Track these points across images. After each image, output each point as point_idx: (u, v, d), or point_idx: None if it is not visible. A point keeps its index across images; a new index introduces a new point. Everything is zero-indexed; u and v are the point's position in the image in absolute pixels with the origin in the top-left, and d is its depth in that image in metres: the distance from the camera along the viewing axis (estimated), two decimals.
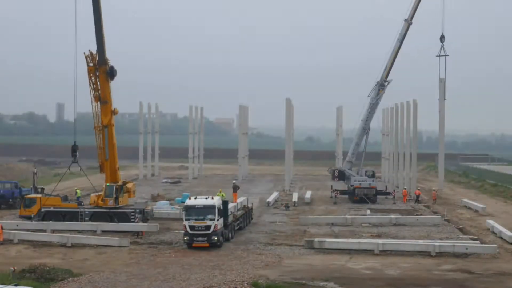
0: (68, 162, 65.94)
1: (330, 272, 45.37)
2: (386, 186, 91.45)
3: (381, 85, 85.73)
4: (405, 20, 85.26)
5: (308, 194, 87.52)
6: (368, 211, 72.94)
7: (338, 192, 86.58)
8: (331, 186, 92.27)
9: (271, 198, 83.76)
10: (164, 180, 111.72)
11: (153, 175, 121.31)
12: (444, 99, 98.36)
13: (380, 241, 53.87)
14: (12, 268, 40.61)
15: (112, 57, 63.60)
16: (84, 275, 43.19)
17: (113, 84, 64.07)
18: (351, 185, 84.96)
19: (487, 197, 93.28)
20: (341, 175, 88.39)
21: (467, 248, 51.60)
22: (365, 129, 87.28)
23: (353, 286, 42.03)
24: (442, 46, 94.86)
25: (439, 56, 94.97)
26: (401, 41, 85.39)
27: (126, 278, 42.65)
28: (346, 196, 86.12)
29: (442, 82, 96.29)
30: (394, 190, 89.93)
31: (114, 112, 63.52)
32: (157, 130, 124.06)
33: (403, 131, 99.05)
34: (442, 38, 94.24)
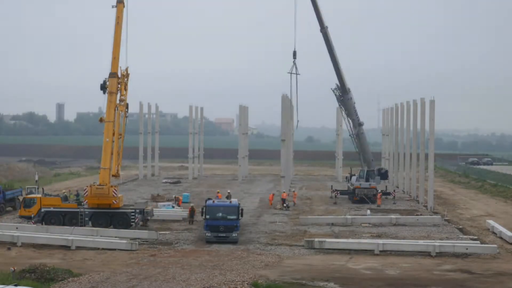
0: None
1: (330, 272, 45.37)
2: (386, 186, 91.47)
3: (343, 92, 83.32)
4: (321, 31, 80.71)
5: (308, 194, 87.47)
6: (368, 211, 72.94)
7: (338, 192, 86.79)
8: (331, 186, 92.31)
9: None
10: (164, 180, 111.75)
11: (153, 175, 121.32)
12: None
13: (380, 241, 53.86)
14: (12, 268, 40.58)
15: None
16: (84, 275, 43.11)
17: None
18: (352, 185, 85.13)
19: (487, 197, 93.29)
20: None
21: (467, 248, 51.63)
22: (355, 134, 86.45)
23: (353, 286, 42.03)
24: (294, 63, 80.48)
25: (291, 73, 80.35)
26: (331, 48, 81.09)
27: (126, 278, 42.60)
28: (346, 196, 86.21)
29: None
30: (394, 190, 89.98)
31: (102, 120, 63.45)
32: (157, 130, 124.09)
33: (403, 131, 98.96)
34: (294, 54, 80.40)
